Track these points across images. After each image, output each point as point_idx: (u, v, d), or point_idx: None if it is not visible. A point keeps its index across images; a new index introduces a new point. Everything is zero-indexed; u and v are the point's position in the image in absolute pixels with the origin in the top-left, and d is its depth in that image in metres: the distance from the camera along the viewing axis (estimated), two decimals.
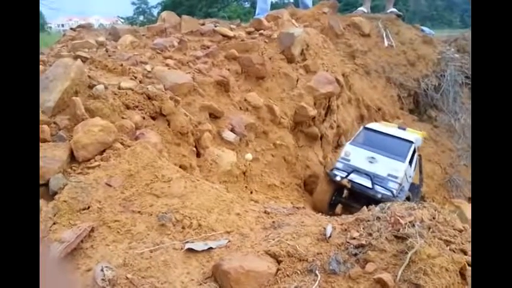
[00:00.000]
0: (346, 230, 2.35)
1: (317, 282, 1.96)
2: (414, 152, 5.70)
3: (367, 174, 5.26)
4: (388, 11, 11.21)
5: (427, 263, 1.84)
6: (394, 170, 5.28)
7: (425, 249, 1.89)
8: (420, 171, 6.59)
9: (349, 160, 5.52)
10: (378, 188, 5.16)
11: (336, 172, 5.46)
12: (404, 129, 6.40)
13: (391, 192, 5.10)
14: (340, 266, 2.02)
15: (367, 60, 9.55)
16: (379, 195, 5.04)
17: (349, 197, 5.66)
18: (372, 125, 6.21)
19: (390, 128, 6.19)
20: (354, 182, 5.30)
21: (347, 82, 7.75)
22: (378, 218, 2.29)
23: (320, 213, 3.71)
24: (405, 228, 2.09)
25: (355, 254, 2.07)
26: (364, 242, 2.11)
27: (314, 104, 6.33)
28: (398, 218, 2.19)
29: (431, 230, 2.09)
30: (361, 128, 6.08)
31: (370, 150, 5.49)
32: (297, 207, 3.27)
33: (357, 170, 5.34)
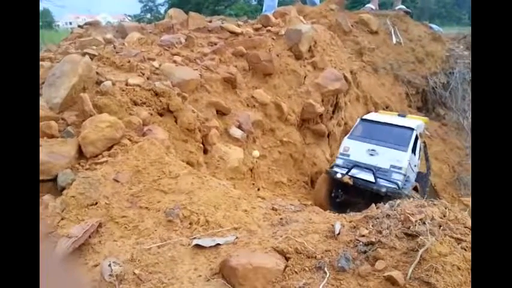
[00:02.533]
0: (355, 227, 2.33)
1: (326, 279, 1.94)
2: (417, 139, 5.46)
3: (368, 168, 5.03)
4: (396, 8, 11.13)
5: (438, 261, 1.81)
6: (397, 160, 5.04)
7: (437, 247, 1.86)
8: (426, 159, 6.37)
9: (348, 155, 5.30)
10: (381, 181, 4.95)
11: (336, 169, 5.25)
12: (404, 116, 6.17)
13: (396, 184, 4.90)
14: (349, 263, 2.00)
15: (375, 57, 9.49)
16: (384, 189, 4.82)
17: (352, 193, 5.38)
18: (370, 116, 5.94)
19: (389, 117, 5.93)
20: (356, 177, 5.08)
21: (355, 79, 7.70)
22: (388, 216, 2.26)
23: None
24: (415, 225, 2.06)
25: (365, 252, 2.05)
26: (373, 240, 2.09)
27: (322, 101, 6.29)
28: (408, 215, 2.16)
29: (442, 227, 2.05)
30: (358, 119, 5.82)
31: (369, 142, 5.25)
32: (305, 204, 3.25)
33: (357, 165, 5.11)
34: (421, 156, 5.94)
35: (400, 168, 5.02)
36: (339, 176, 5.13)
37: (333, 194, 5.45)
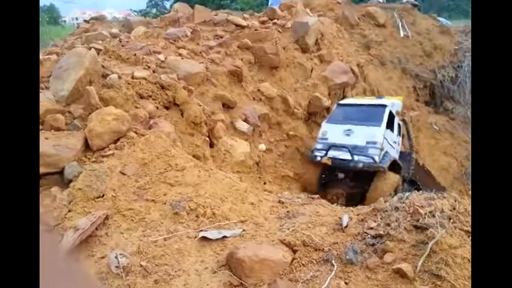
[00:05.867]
0: (363, 220, 2.30)
1: (333, 272, 1.91)
2: (392, 116, 5.63)
3: (344, 147, 5.21)
4: (404, 0, 11.01)
5: (448, 254, 1.77)
6: (371, 136, 5.24)
7: (447, 240, 1.82)
8: (409, 137, 6.54)
9: (326, 138, 5.48)
10: (357, 157, 5.12)
11: (316, 153, 5.43)
12: (381, 98, 6.37)
13: (372, 158, 5.08)
14: (358, 256, 1.97)
15: (383, 50, 9.38)
16: (361, 165, 5.06)
17: (340, 174, 5.56)
18: (346, 100, 6.17)
19: (365, 99, 6.16)
20: (335, 158, 5.24)
21: (362, 73, 7.63)
22: (396, 208, 2.23)
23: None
24: (425, 218, 2.02)
25: (373, 244, 2.02)
26: (382, 232, 2.06)
27: (328, 95, 6.26)
28: (417, 207, 2.12)
29: (452, 220, 2.01)
30: (335, 105, 6.02)
31: (345, 123, 5.45)
32: (312, 197, 3.22)
33: (334, 146, 5.29)
34: (400, 136, 6.08)
35: (375, 143, 5.19)
36: (318, 158, 5.30)
37: (323, 176, 5.62)
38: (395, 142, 5.70)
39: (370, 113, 5.52)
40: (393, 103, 5.84)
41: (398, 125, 5.92)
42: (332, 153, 5.26)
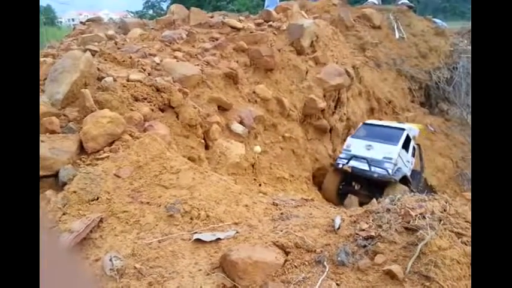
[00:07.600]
0: (355, 221, 2.32)
1: (325, 273, 1.94)
2: (409, 139, 6.53)
3: (364, 159, 6.03)
4: (400, 2, 11.07)
5: (438, 255, 1.80)
6: (388, 153, 6.10)
7: (436, 241, 1.85)
8: (420, 159, 7.46)
9: (350, 150, 6.33)
10: (374, 169, 5.95)
11: (338, 161, 6.28)
12: (402, 123, 7.24)
13: (386, 171, 5.89)
14: (349, 257, 2.00)
15: (378, 52, 9.43)
16: (376, 175, 5.89)
17: (357, 185, 6.44)
18: (370, 121, 7.20)
19: (388, 122, 7.08)
20: (354, 167, 6.08)
21: (357, 74, 7.67)
22: (388, 210, 2.26)
23: (330, 203, 3.73)
24: (415, 220, 2.05)
25: (364, 246, 2.05)
26: (373, 234, 2.08)
27: (323, 96, 6.29)
28: (408, 209, 2.15)
29: (442, 222, 2.04)
30: (361, 124, 7.01)
31: (367, 140, 6.33)
32: (306, 199, 3.24)
33: (355, 156, 6.13)
34: (415, 157, 7.00)
35: (390, 158, 6.07)
36: (340, 165, 6.14)
37: (341, 187, 6.44)
38: (408, 161, 6.58)
39: (390, 133, 6.44)
40: (411, 128, 6.83)
41: (413, 147, 6.86)
42: (353, 163, 6.09)
